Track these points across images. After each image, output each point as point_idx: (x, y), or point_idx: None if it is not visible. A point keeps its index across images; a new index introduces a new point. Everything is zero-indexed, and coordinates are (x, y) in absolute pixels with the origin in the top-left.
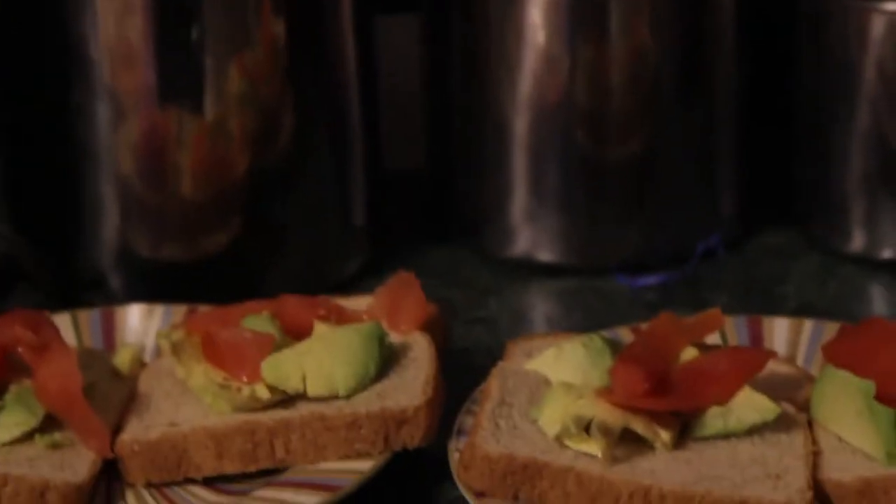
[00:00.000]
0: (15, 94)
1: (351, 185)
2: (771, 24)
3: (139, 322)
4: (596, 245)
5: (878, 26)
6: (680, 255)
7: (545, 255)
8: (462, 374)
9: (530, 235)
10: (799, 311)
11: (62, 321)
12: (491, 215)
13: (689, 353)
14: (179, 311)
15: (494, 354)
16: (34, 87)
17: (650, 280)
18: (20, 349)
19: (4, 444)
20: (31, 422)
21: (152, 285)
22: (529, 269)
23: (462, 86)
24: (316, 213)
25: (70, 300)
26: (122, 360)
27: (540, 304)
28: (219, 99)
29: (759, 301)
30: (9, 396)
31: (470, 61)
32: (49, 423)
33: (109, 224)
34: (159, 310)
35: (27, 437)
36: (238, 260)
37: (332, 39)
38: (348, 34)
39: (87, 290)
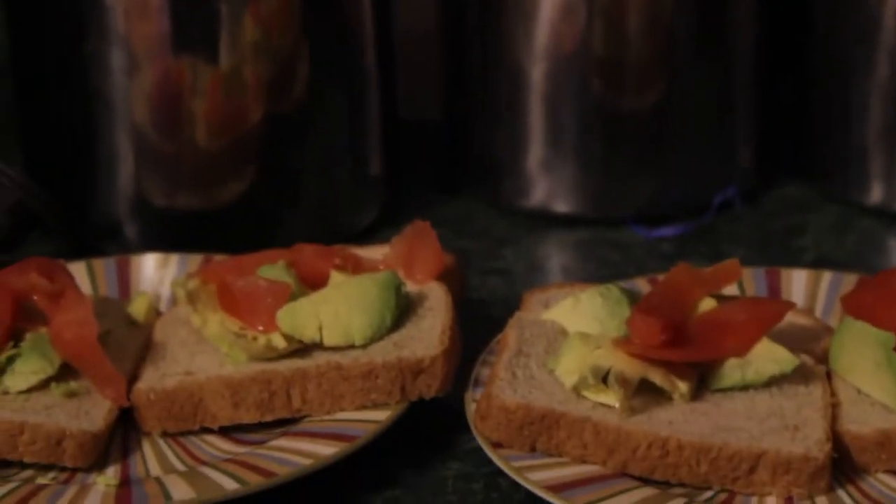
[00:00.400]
0: (29, 42)
1: (366, 135)
2: None
3: (154, 271)
4: (612, 195)
5: None
6: (696, 207)
7: (561, 206)
8: (478, 325)
9: (546, 186)
10: (816, 263)
11: (77, 270)
12: (507, 165)
13: (706, 304)
14: (195, 260)
15: (510, 305)
16: (49, 34)
17: (666, 231)
18: (36, 297)
19: (21, 392)
20: (48, 370)
21: (167, 234)
22: (545, 220)
23: (478, 35)
24: (331, 162)
25: (85, 249)
26: (138, 308)
27: (556, 254)
28: (233, 47)
29: (777, 253)
30: (25, 344)
31: (486, 10)
32: (65, 372)
33: (124, 173)
34: (174, 259)
35: (43, 385)
36: (253, 209)
37: None
38: None
39: (102, 238)
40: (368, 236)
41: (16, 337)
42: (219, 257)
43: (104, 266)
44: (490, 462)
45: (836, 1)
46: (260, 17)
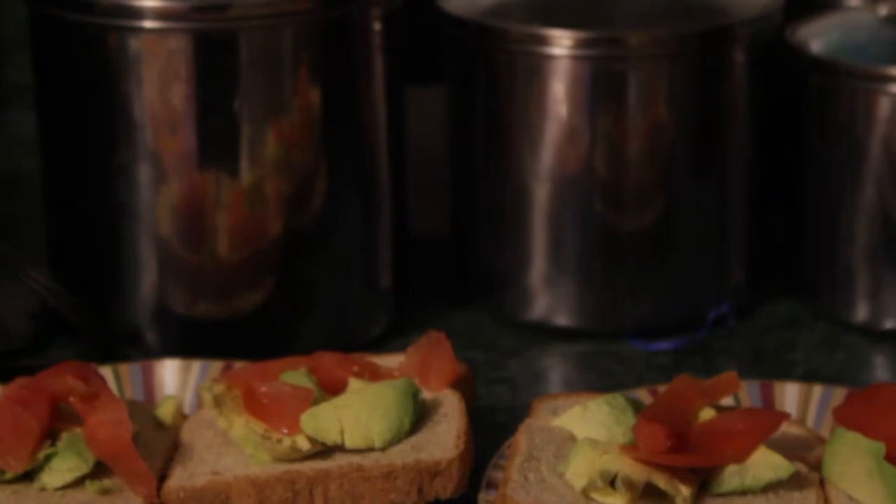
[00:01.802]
0: (61, 152)
1: (379, 249)
2: (781, 101)
3: (178, 376)
4: (611, 311)
5: (884, 107)
6: (692, 322)
7: (562, 320)
8: (486, 431)
9: (548, 300)
10: (806, 377)
11: (104, 374)
12: (511, 280)
13: (706, 414)
14: (216, 366)
15: (516, 413)
16: (80, 148)
17: (663, 345)
18: (71, 399)
19: (57, 489)
20: (83, 468)
21: (187, 341)
22: (548, 333)
23: (485, 155)
24: (345, 275)
25: (108, 354)
26: (165, 411)
27: (558, 365)
28: (255, 163)
29: (769, 367)
30: (61, 443)
31: (493, 132)
32: (99, 470)
33: (147, 281)
34: (197, 364)
35: (78, 482)
36: (270, 319)
37: (364, 109)
38: (380, 104)
39: (124, 344)
40: (378, 346)
41: (52, 436)
42: (239, 364)
43: (129, 371)
44: None
45: (826, 130)
46: (281, 134)
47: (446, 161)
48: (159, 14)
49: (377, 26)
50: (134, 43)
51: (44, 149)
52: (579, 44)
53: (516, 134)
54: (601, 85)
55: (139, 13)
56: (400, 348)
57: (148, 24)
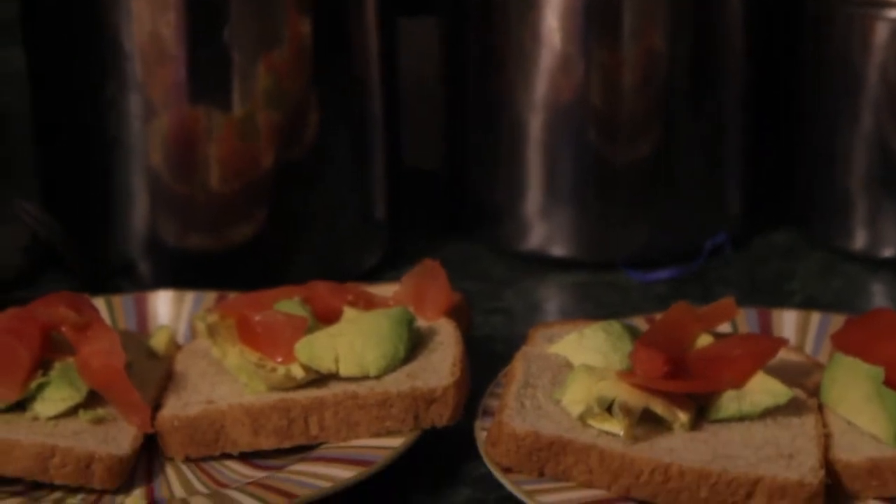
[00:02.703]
0: (50, 86)
1: (372, 180)
2: (777, 28)
3: (171, 307)
4: (607, 241)
5: (881, 32)
6: (688, 253)
7: (558, 250)
8: (482, 361)
9: (544, 231)
10: (804, 305)
11: (97, 305)
12: (505, 211)
13: (703, 341)
14: (210, 297)
15: (513, 342)
16: (69, 80)
17: (660, 275)
18: (63, 329)
19: (50, 418)
20: (76, 397)
21: (179, 273)
22: (543, 263)
23: (479, 86)
24: (338, 206)
25: (100, 286)
26: (159, 341)
27: (554, 296)
28: (246, 95)
29: (766, 296)
30: (54, 373)
31: (486, 63)
32: (92, 399)
33: (139, 214)
34: (190, 296)
35: (72, 411)
36: (262, 251)
37: (356, 39)
38: (372, 34)
39: (116, 276)
40: (372, 278)
41: (44, 366)
42: (232, 295)
43: (122, 302)
44: (498, 487)
45: (823, 57)
46: (272, 66)
47: (439, 92)
48: None
49: None
50: None
51: (32, 82)
52: None
53: (510, 64)
54: (595, 14)
55: None
56: (394, 279)
57: None
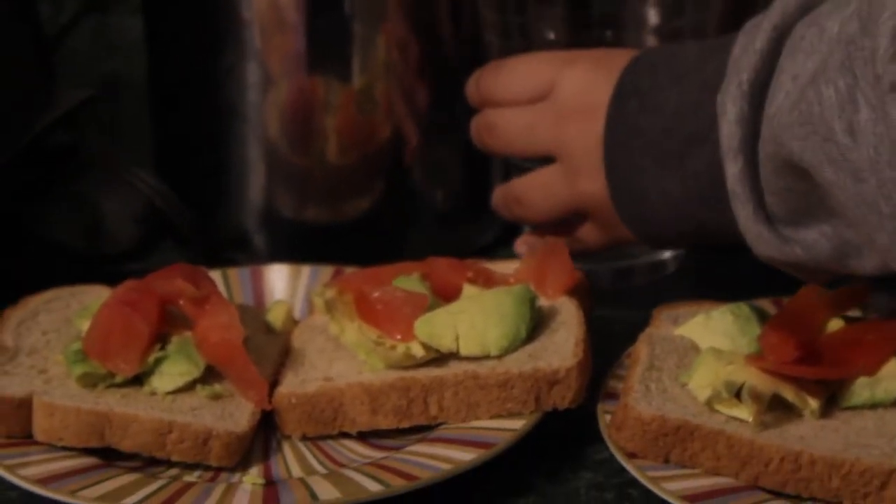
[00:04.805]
0: (166, 54)
1: (488, 157)
2: None
3: (287, 281)
4: None
5: None
6: None
7: None
8: (604, 341)
9: None
10: None
11: (213, 278)
12: None
13: (834, 325)
14: (326, 271)
15: (635, 322)
16: (186, 49)
17: None
18: (181, 302)
19: (168, 393)
20: (194, 372)
21: (295, 246)
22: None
23: None
24: (455, 181)
25: (215, 258)
26: (276, 315)
27: (678, 275)
28: (365, 66)
29: None
30: (171, 347)
31: None
32: (209, 375)
33: (255, 185)
34: (306, 270)
35: (189, 387)
36: (379, 224)
37: (472, 13)
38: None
39: (231, 248)
40: (488, 254)
41: (162, 340)
42: (349, 269)
43: (239, 275)
44: (621, 472)
45: None
46: (391, 37)
47: None
48: None
49: None
50: None
51: (150, 50)
52: None
53: None
54: None
55: None
56: (509, 257)
57: None
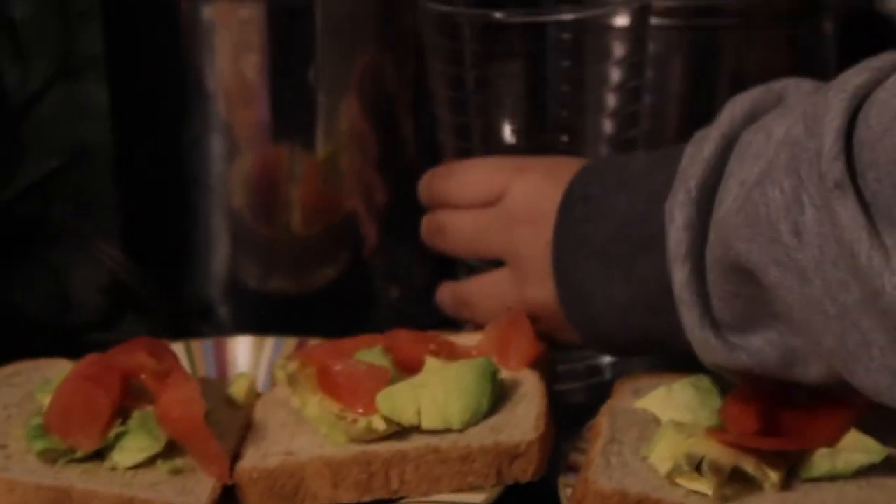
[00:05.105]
0: (133, 126)
1: None
2: None
3: (250, 353)
4: None
5: None
6: None
7: None
8: (564, 414)
9: None
10: None
11: (176, 350)
12: None
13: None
14: (290, 343)
15: (597, 394)
16: (152, 119)
17: None
18: (143, 376)
19: (128, 468)
20: (155, 447)
21: (260, 317)
22: None
23: None
24: (421, 251)
25: (180, 329)
26: (238, 389)
27: None
28: (330, 135)
29: None
30: (132, 422)
31: None
32: (171, 449)
33: (220, 256)
34: (270, 341)
35: (150, 461)
36: (344, 295)
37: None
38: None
39: (196, 319)
40: (454, 324)
41: (123, 414)
42: (313, 341)
43: (202, 348)
44: None
45: None
46: (356, 106)
47: None
48: None
49: None
50: (206, 12)
51: (116, 120)
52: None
53: None
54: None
55: None
56: (474, 329)
57: None
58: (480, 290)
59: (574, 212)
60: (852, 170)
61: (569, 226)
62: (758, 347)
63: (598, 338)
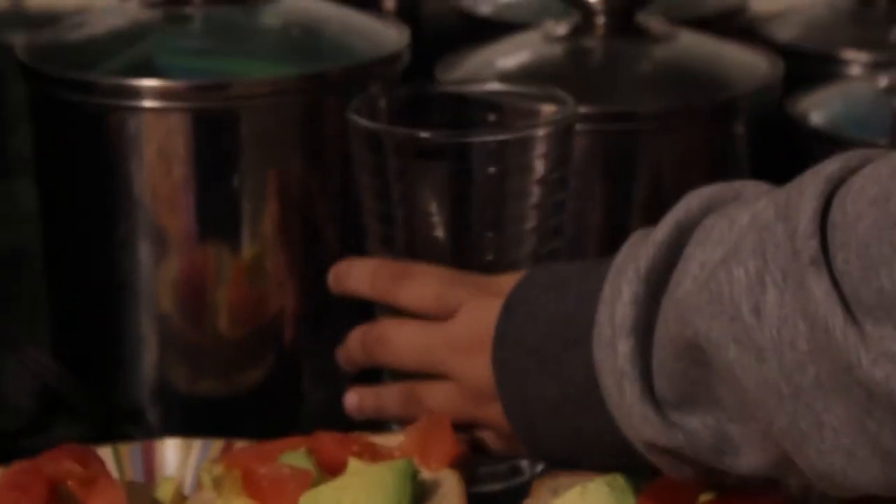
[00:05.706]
0: (62, 230)
1: None
2: (781, 174)
3: (178, 456)
4: None
5: None
6: None
7: None
8: None
9: None
10: None
11: (104, 454)
12: None
13: (707, 495)
14: (217, 445)
15: (514, 493)
16: (80, 224)
17: None
18: (70, 483)
19: None
20: None
21: (189, 420)
22: None
23: None
24: None
25: (109, 433)
26: (165, 493)
27: None
28: (255, 240)
29: None
30: None
31: None
32: None
33: (148, 359)
34: (197, 444)
35: None
36: (272, 396)
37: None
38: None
39: (125, 422)
40: (377, 426)
41: None
42: (239, 443)
43: (130, 451)
44: None
45: None
46: (280, 211)
47: None
48: (158, 94)
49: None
50: (133, 122)
51: (44, 224)
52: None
53: None
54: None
55: (138, 93)
56: (400, 429)
57: (147, 103)
58: (402, 343)
59: (513, 316)
60: (825, 250)
61: (508, 330)
62: (693, 429)
63: (535, 440)
